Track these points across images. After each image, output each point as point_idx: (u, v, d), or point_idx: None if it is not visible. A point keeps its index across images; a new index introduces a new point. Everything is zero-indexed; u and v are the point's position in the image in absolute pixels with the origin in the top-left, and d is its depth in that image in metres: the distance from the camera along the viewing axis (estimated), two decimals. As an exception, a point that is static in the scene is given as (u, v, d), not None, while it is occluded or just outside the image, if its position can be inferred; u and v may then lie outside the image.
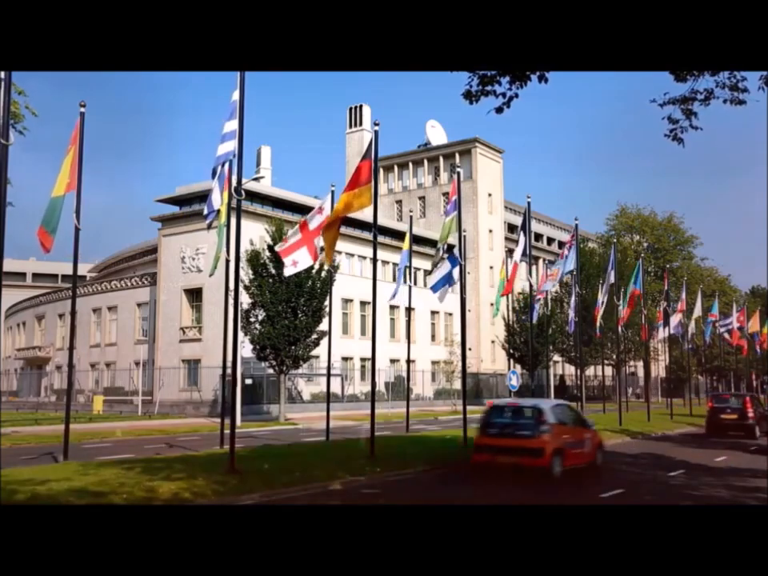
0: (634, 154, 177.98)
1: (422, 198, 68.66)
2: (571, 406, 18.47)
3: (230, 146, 14.21)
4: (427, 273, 58.00)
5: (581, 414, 17.97)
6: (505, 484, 13.78)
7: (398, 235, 51.39)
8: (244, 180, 16.29)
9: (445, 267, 20.88)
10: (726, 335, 51.12)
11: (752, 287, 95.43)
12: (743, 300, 66.17)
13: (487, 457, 14.62)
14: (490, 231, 65.95)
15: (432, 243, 55.59)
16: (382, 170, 67.31)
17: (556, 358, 52.65)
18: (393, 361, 51.01)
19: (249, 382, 37.89)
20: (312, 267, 30.92)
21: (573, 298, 31.36)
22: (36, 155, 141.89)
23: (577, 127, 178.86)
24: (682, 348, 49.86)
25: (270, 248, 31.77)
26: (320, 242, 21.31)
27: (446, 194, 64.12)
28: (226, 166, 14.35)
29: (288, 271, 20.14)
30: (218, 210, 14.80)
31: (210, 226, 15.75)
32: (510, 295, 56.20)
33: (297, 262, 19.97)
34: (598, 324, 34.19)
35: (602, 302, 33.10)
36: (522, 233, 24.57)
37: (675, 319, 41.65)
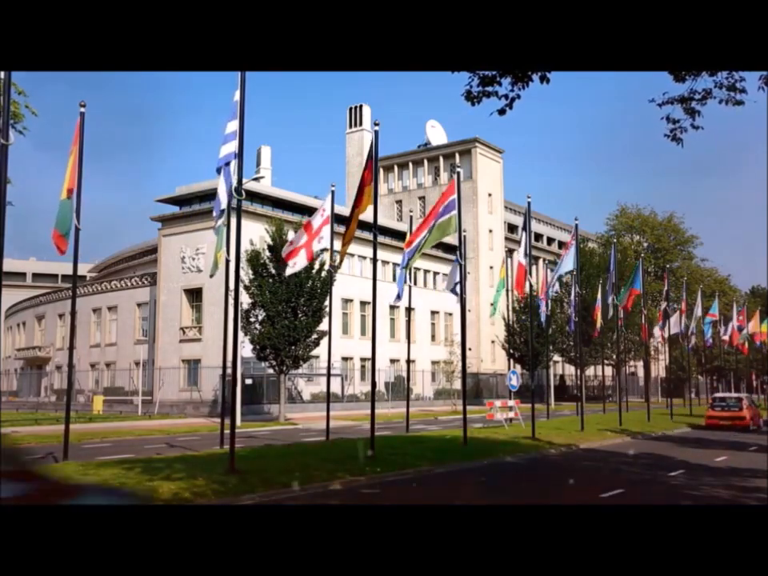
0: (633, 154, 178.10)
1: (422, 198, 68.69)
2: (751, 397, 35.71)
3: (233, 146, 14.26)
4: (427, 272, 58.12)
5: (755, 401, 33.72)
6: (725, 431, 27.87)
7: (398, 235, 51.39)
8: (244, 180, 16.25)
9: (455, 269, 20.93)
10: (726, 338, 51.10)
11: (752, 287, 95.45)
12: (743, 300, 66.16)
13: (715, 421, 29.44)
14: (490, 231, 65.97)
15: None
16: (382, 170, 67.31)
17: (556, 358, 52.65)
18: (393, 361, 51.01)
19: (249, 381, 37.90)
20: (312, 267, 30.94)
21: (573, 298, 31.34)
22: (36, 155, 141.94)
23: (577, 127, 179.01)
24: (682, 348, 49.80)
25: (270, 248, 31.77)
26: (322, 243, 21.46)
27: (446, 194, 64.13)
28: (231, 165, 14.35)
29: (288, 271, 20.93)
30: (224, 210, 14.80)
31: (228, 228, 15.67)
32: (509, 295, 56.33)
33: (296, 263, 20.33)
34: (598, 324, 34.18)
35: (608, 303, 33.08)
36: (524, 233, 24.61)
37: (676, 319, 41.61)
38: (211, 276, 17.18)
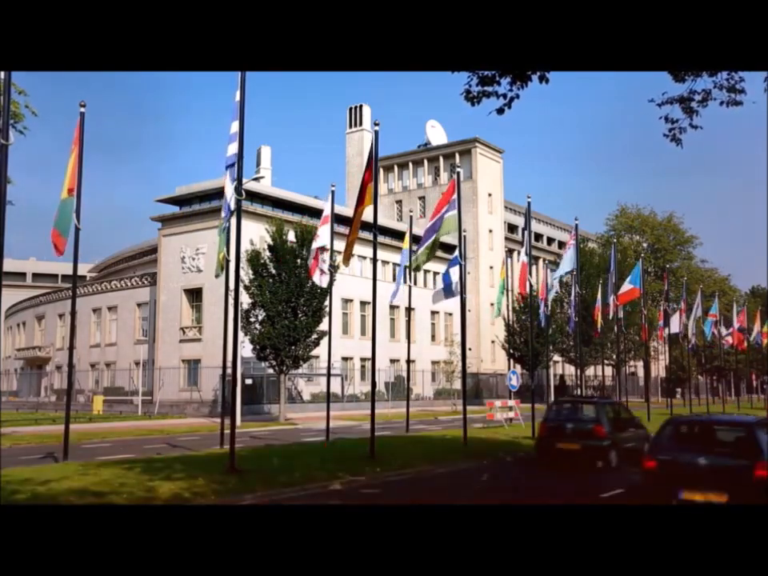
0: (633, 154, 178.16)
1: (422, 198, 68.68)
2: None
3: (237, 146, 14.29)
4: (427, 272, 58.11)
5: None
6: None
7: (398, 235, 51.38)
8: (244, 180, 16.25)
9: (454, 272, 20.86)
10: (728, 339, 51.13)
11: (752, 287, 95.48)
12: (743, 300, 66.18)
13: None
14: (490, 231, 65.95)
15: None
16: (382, 170, 67.31)
17: (556, 358, 52.62)
18: (393, 361, 51.00)
19: (249, 381, 37.89)
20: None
21: (573, 298, 31.33)
22: (36, 155, 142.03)
23: (577, 127, 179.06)
24: (683, 348, 49.81)
25: (270, 248, 31.78)
26: (319, 242, 21.64)
27: (446, 194, 64.07)
28: (236, 166, 14.36)
29: (322, 282, 22.13)
30: (233, 211, 14.75)
31: (228, 229, 15.53)
32: (510, 295, 56.33)
33: (324, 271, 21.19)
34: (598, 324, 34.16)
35: (607, 303, 33.08)
36: (525, 233, 24.65)
37: (677, 320, 41.50)
38: (216, 276, 17.10)
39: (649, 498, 9.57)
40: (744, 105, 10.06)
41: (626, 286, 34.58)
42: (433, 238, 19.97)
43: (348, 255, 20.12)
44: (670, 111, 10.46)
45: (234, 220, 14.98)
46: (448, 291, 20.81)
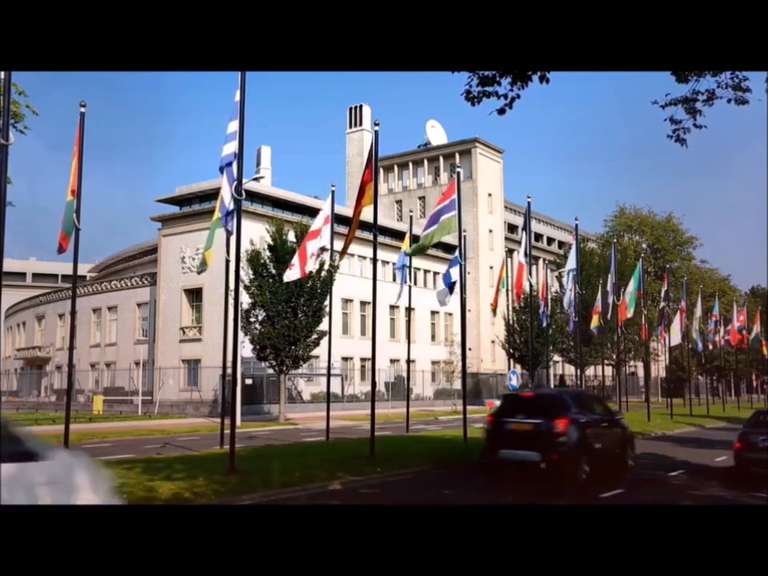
0: (633, 154, 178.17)
1: (422, 198, 68.68)
2: None
3: (234, 146, 14.23)
4: (427, 272, 58.13)
5: None
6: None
7: (398, 235, 51.35)
8: (244, 180, 16.23)
9: (454, 271, 20.67)
10: (726, 337, 51.11)
11: (752, 287, 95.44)
12: (743, 300, 66.15)
13: None
14: (490, 231, 65.94)
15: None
16: (382, 170, 67.29)
17: (556, 358, 52.60)
18: (393, 361, 50.99)
19: (249, 381, 37.89)
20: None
21: (573, 298, 31.29)
22: (38, 154, 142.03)
23: (577, 127, 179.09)
24: (683, 348, 49.81)
25: (270, 248, 31.78)
26: (320, 242, 21.58)
27: (446, 194, 64.01)
28: (233, 165, 14.30)
29: (289, 276, 21.16)
30: (231, 212, 14.69)
31: (231, 232, 15.35)
32: (509, 295, 56.32)
33: (293, 264, 20.78)
34: (599, 324, 34.11)
35: (609, 303, 33.06)
36: (524, 233, 24.65)
37: (677, 325, 41.25)
38: (198, 273, 17.08)
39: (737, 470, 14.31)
40: (749, 104, 10.01)
41: (633, 289, 34.49)
42: (430, 230, 19.75)
43: (344, 252, 20.15)
44: (674, 112, 10.44)
45: (233, 220, 14.90)
46: (451, 291, 20.74)
